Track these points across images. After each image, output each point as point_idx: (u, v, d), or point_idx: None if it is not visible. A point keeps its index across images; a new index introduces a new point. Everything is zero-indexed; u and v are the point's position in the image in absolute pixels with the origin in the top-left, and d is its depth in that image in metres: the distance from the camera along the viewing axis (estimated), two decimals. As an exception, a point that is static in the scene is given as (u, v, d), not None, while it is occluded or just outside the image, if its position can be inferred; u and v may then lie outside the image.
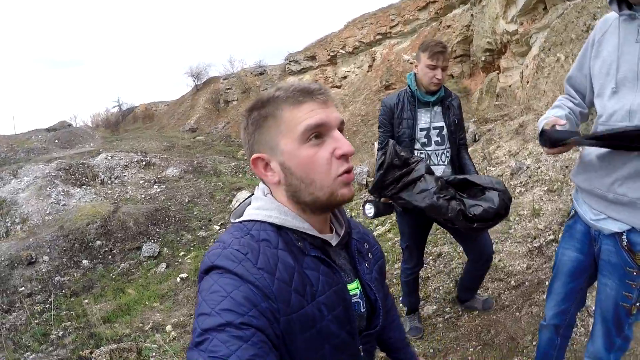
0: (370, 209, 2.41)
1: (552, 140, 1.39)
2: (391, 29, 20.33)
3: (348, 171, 0.82)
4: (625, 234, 1.37)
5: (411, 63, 17.50)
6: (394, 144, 2.32)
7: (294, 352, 0.76)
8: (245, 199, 0.95)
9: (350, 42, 22.38)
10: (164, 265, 6.81)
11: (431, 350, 2.78)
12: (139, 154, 11.62)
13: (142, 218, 7.84)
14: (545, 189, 4.31)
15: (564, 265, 1.66)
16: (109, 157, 10.89)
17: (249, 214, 0.87)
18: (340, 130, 0.84)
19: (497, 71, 11.00)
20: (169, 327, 4.60)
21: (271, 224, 0.83)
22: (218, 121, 26.04)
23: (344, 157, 0.81)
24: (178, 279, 6.19)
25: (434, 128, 2.51)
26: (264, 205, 0.86)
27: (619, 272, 1.41)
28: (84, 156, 12.13)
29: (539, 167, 4.93)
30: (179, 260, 7.04)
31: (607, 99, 1.38)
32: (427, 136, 2.51)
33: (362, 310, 0.91)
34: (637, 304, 1.40)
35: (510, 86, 9.50)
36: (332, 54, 23.49)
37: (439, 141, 2.53)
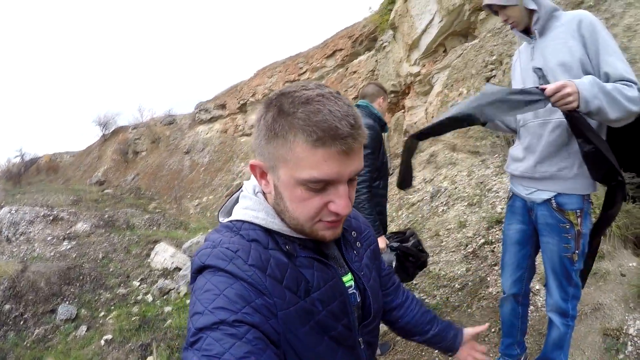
0: None
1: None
2: (300, 76, 21.24)
3: (335, 221, 0.79)
4: (554, 198, 1.73)
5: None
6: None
7: (296, 346, 0.75)
8: (232, 195, 0.93)
9: (259, 90, 22.83)
10: (84, 327, 6.14)
11: (397, 362, 2.87)
12: (45, 208, 10.53)
13: (54, 277, 7.04)
14: (466, 204, 4.80)
15: (511, 237, 1.96)
16: (13, 212, 9.73)
17: (237, 213, 0.86)
18: (354, 178, 0.79)
19: (403, 110, 12.03)
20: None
21: (260, 225, 0.82)
22: (127, 173, 24.54)
23: (336, 214, 0.77)
24: (102, 342, 5.62)
25: None
26: (252, 206, 0.84)
27: (555, 229, 1.75)
28: (-17, 211, 10.64)
29: (455, 187, 5.48)
30: (100, 322, 6.41)
31: None
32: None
33: (357, 301, 0.91)
34: (577, 251, 1.73)
35: (415, 123, 10.43)
36: (242, 102, 23.68)
37: None
